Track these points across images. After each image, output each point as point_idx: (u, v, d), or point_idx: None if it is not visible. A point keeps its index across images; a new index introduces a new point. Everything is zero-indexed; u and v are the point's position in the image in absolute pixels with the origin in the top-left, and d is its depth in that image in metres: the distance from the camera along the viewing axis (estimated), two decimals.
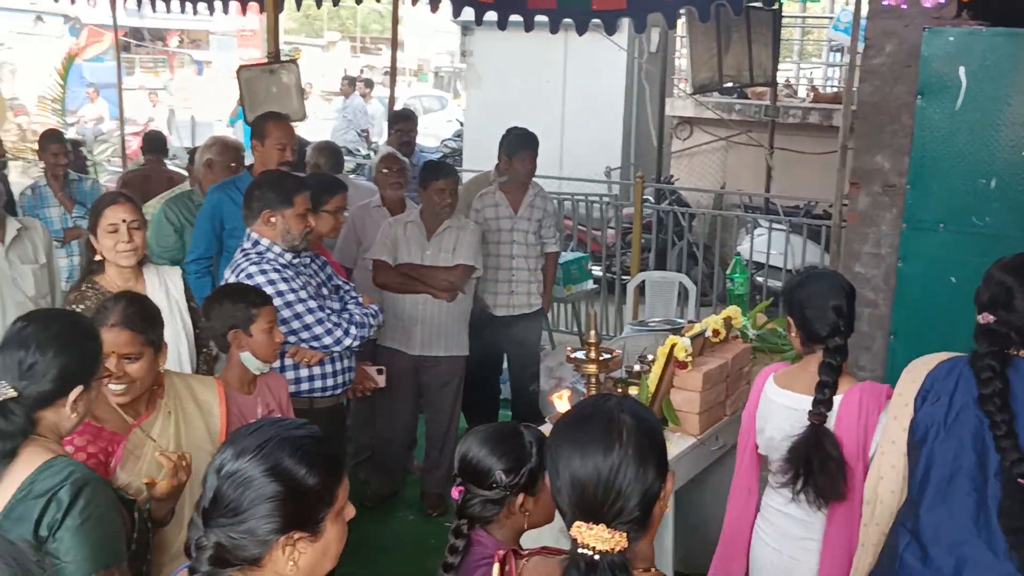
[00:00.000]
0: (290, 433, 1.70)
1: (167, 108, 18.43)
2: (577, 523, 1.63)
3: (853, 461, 2.80)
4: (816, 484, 2.80)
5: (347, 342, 3.83)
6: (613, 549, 1.60)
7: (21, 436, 2.07)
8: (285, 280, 3.68)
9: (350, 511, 1.75)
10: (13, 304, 4.28)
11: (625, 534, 1.62)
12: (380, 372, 4.43)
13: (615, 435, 1.66)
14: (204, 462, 2.84)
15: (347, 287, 4.08)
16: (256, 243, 3.74)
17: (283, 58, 5.14)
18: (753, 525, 3.11)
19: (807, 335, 2.94)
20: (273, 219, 3.70)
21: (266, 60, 5.37)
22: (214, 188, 4.74)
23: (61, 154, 5.96)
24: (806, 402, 2.86)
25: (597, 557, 1.60)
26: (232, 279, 3.66)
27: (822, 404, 2.82)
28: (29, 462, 2.07)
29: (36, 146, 7.65)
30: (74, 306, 3.41)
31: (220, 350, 3.31)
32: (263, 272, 3.65)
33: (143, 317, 2.80)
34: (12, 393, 2.09)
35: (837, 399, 2.85)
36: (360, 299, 4.06)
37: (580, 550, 1.61)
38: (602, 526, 1.61)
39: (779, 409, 2.97)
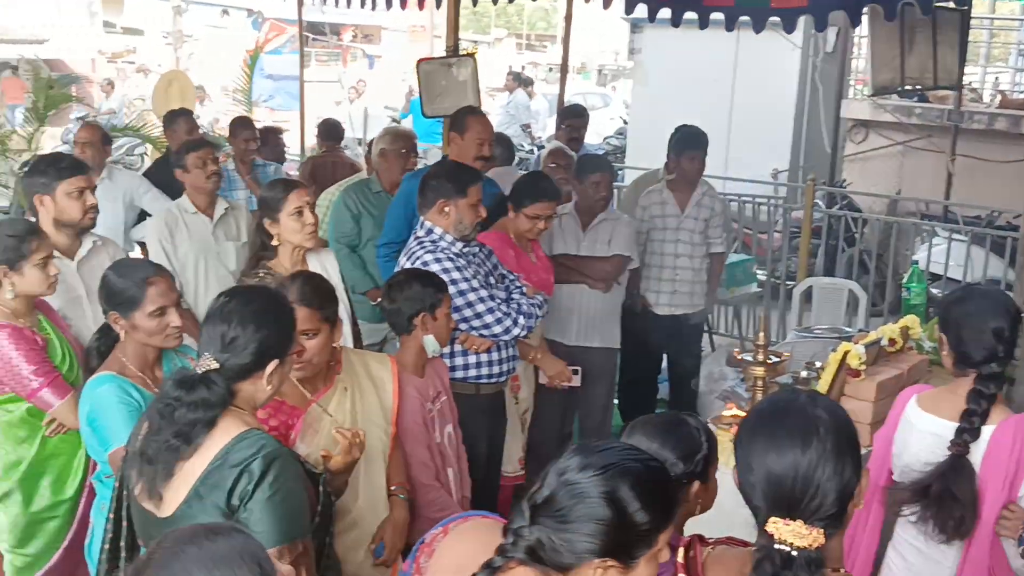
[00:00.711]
0: (636, 464, 1.72)
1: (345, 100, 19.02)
2: (773, 518, 1.62)
3: (997, 497, 2.61)
4: (938, 517, 2.62)
5: (516, 332, 3.89)
6: (810, 545, 1.59)
7: (221, 405, 2.18)
8: (459, 269, 3.76)
9: (664, 555, 1.76)
10: (216, 277, 4.56)
11: (822, 531, 1.60)
12: (576, 372, 4.47)
13: (812, 430, 1.65)
14: (377, 437, 2.97)
15: (512, 276, 4.14)
16: (429, 231, 3.84)
17: (461, 53, 5.26)
18: (876, 556, 2.92)
19: (960, 357, 2.72)
20: (447, 208, 3.79)
21: (444, 54, 5.51)
22: (410, 175, 4.87)
23: (252, 140, 6.25)
24: (952, 429, 2.66)
25: (794, 553, 1.59)
26: (407, 265, 3.77)
27: (967, 433, 2.62)
28: (226, 432, 2.18)
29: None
30: None
31: (396, 332, 3.41)
32: (438, 260, 3.73)
33: (319, 294, 2.93)
34: (214, 364, 2.21)
35: (987, 430, 2.64)
36: (524, 288, 4.12)
37: (776, 545, 1.61)
38: (799, 522, 1.60)
39: (920, 435, 2.77)
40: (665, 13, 6.89)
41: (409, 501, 3.09)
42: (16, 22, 24.59)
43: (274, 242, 3.66)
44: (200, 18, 30.17)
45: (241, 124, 6.39)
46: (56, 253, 3.41)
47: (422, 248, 3.80)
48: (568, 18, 7.27)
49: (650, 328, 5.49)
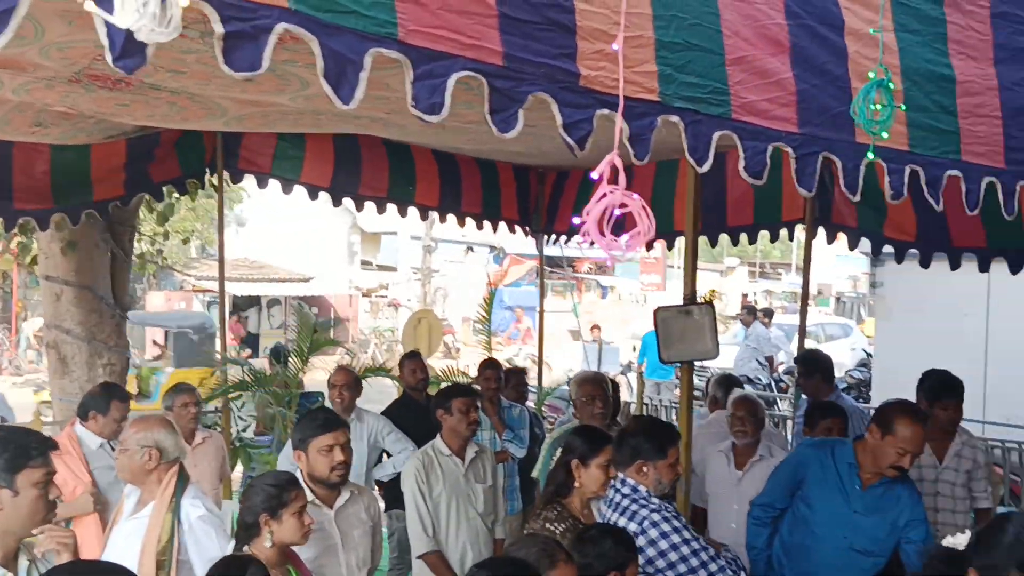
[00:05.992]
0: None
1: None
2: None
3: None
4: None
5: None
6: None
7: None
8: (677, 518, 3.67)
9: None
10: (466, 519, 4.70)
11: None
12: None
13: None
14: None
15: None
16: (635, 489, 3.74)
17: (698, 300, 5.30)
18: None
19: None
20: (645, 468, 3.72)
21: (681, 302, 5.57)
22: (809, 443, 4.62)
23: (493, 379, 6.36)
24: None
25: None
26: (621, 522, 3.64)
27: None
28: None
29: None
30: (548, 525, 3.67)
31: None
32: (666, 520, 3.64)
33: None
34: None
35: None
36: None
37: None
38: None
39: None
40: (914, 253, 6.76)
41: None
42: (285, 263, 27.46)
43: (576, 484, 3.75)
44: (446, 255, 32.46)
45: (489, 365, 6.61)
46: (316, 502, 3.58)
47: (641, 506, 3.68)
48: (807, 257, 7.26)
49: None
